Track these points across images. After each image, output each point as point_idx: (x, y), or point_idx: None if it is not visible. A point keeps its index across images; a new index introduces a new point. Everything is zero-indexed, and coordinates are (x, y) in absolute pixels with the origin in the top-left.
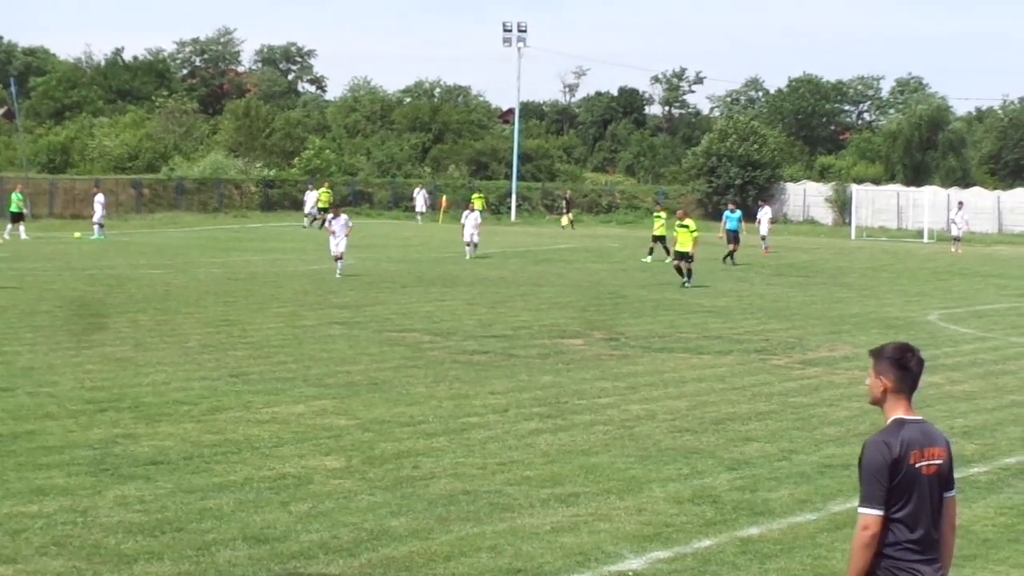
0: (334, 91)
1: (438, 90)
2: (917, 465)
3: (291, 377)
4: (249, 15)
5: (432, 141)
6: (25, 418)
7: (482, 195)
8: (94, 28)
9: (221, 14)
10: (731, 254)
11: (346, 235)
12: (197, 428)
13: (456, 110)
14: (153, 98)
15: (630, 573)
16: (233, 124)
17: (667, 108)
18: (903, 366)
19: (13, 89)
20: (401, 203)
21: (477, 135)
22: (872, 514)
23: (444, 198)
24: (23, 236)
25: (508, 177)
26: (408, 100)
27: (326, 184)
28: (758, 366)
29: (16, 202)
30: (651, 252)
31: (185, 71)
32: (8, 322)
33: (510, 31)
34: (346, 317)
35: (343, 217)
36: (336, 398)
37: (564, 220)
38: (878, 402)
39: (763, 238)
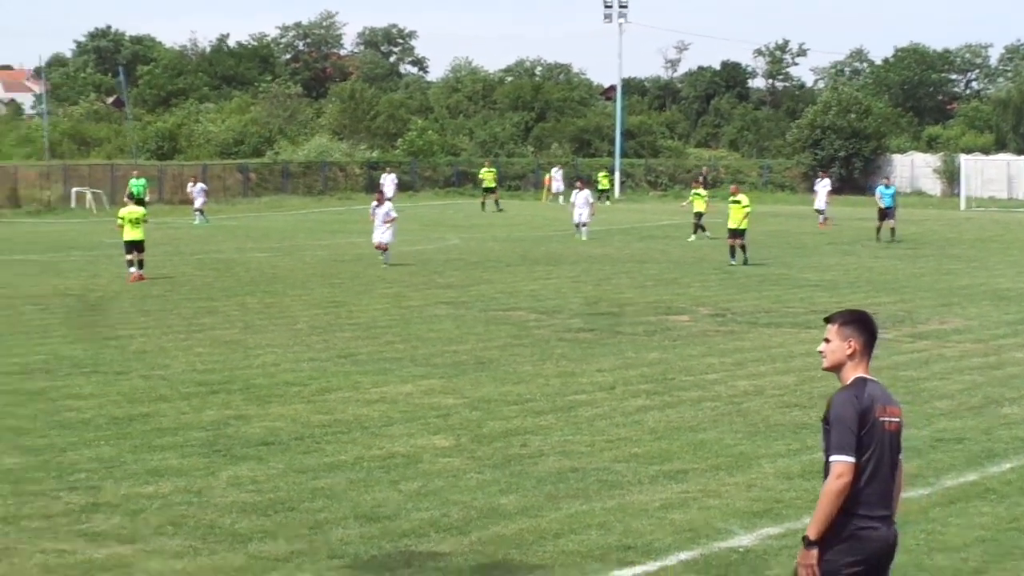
0: (436, 72)
1: (539, 68)
2: (881, 419)
3: (399, 357)
4: None
5: (534, 120)
6: (140, 401)
7: (608, 174)
8: (199, 15)
9: None
10: (891, 230)
11: (387, 223)
12: (307, 409)
13: (558, 88)
14: (257, 83)
15: (740, 549)
16: (337, 107)
17: (770, 81)
18: (870, 330)
19: (122, 78)
20: (505, 182)
21: (579, 112)
22: (845, 460)
23: (547, 176)
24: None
25: (611, 154)
26: (510, 79)
27: (487, 162)
28: None
29: (138, 187)
30: (696, 231)
31: (288, 55)
32: (121, 307)
33: (611, 7)
34: (452, 297)
35: (387, 205)
36: (444, 377)
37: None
38: (839, 365)
39: (818, 211)
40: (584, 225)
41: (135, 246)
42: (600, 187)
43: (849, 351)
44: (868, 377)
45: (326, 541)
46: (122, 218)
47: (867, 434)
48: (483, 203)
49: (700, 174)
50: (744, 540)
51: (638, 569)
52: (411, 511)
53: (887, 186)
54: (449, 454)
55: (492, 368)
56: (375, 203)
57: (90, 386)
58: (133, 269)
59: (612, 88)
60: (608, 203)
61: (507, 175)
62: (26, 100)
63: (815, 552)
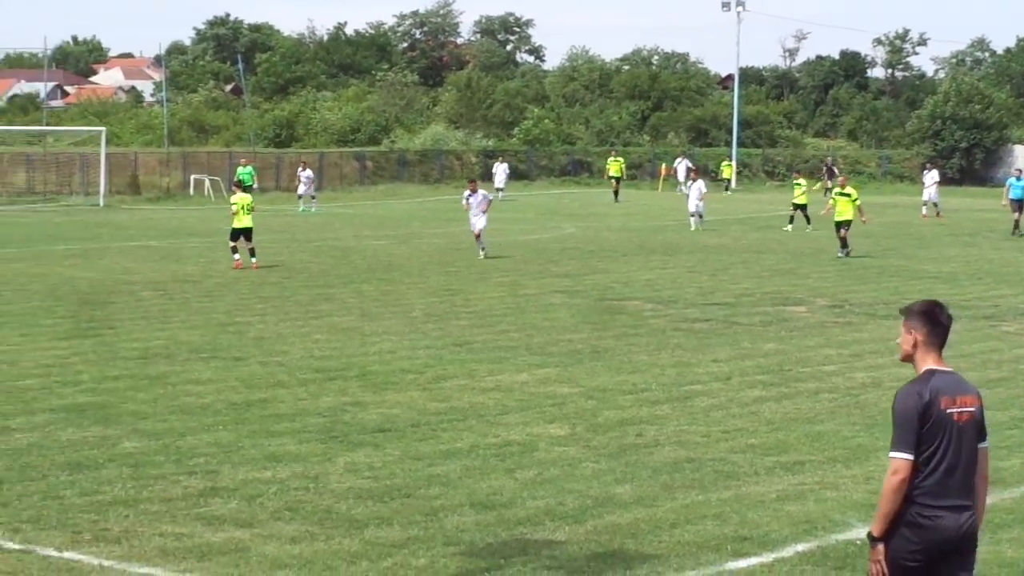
0: (552, 61)
1: (656, 57)
2: (948, 411)
3: (514, 346)
4: None
5: (651, 109)
6: (257, 387)
7: (731, 164)
8: (317, 3)
9: None
10: (1015, 223)
11: (484, 211)
12: (423, 396)
13: (675, 77)
14: (374, 71)
15: (858, 542)
16: (454, 96)
17: (890, 71)
18: (933, 320)
19: (240, 66)
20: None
21: (696, 102)
22: (902, 458)
23: (664, 166)
24: None
25: (728, 144)
26: (626, 68)
27: (613, 153)
28: (987, 332)
29: (245, 175)
30: (791, 220)
31: (405, 44)
32: (239, 293)
33: None
34: (567, 286)
35: (480, 193)
36: (559, 366)
37: (817, 185)
38: (909, 357)
39: (926, 203)
40: (698, 215)
41: (243, 233)
42: (724, 176)
43: (912, 343)
44: (938, 368)
45: (441, 528)
46: (236, 204)
47: (930, 429)
48: (615, 192)
49: (826, 164)
50: (861, 532)
51: (753, 560)
52: (526, 499)
53: (1018, 178)
54: (564, 443)
55: (607, 357)
56: (468, 192)
57: (209, 372)
58: (238, 256)
59: (729, 77)
60: (728, 193)
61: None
62: (146, 88)
63: (881, 548)
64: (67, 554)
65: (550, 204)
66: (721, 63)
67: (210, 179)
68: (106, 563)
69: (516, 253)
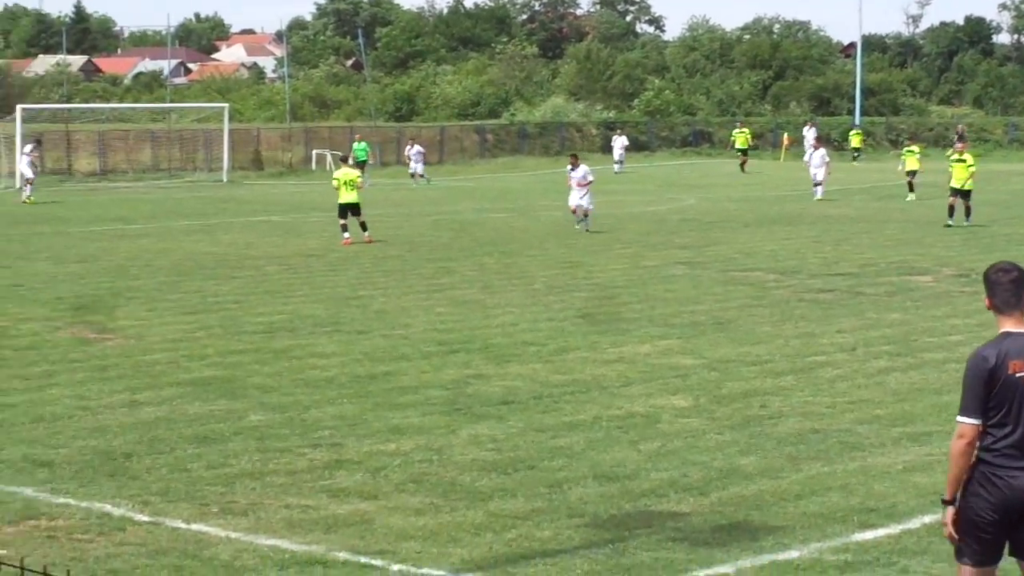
0: (672, 31)
1: (777, 26)
2: (1017, 375)
3: (636, 317)
4: None
5: (772, 78)
6: (381, 360)
7: (860, 132)
8: None
9: None
10: None
11: (584, 188)
12: (545, 368)
13: (796, 46)
14: (494, 44)
15: None
16: (573, 68)
17: (1016, 36)
18: (993, 282)
19: (360, 41)
20: None
21: (818, 71)
22: (968, 423)
23: (786, 135)
24: (367, 184)
25: (851, 112)
26: (747, 37)
27: (740, 123)
28: None
29: (360, 151)
30: (912, 189)
31: (524, 16)
32: (362, 267)
33: None
34: (688, 257)
35: (582, 168)
36: (681, 338)
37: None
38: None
39: None
40: (819, 185)
41: (350, 208)
42: (853, 146)
43: (988, 306)
44: (1013, 331)
45: (565, 500)
46: (338, 179)
47: (998, 392)
48: (742, 165)
49: (956, 132)
50: None
51: (880, 532)
52: (650, 471)
53: None
54: (688, 414)
55: (730, 329)
56: (570, 167)
57: (332, 345)
58: (347, 234)
59: (852, 45)
60: (856, 163)
61: None
62: (267, 64)
63: (951, 510)
64: (195, 526)
65: (671, 175)
66: (843, 31)
67: (332, 154)
68: (233, 535)
69: (637, 225)
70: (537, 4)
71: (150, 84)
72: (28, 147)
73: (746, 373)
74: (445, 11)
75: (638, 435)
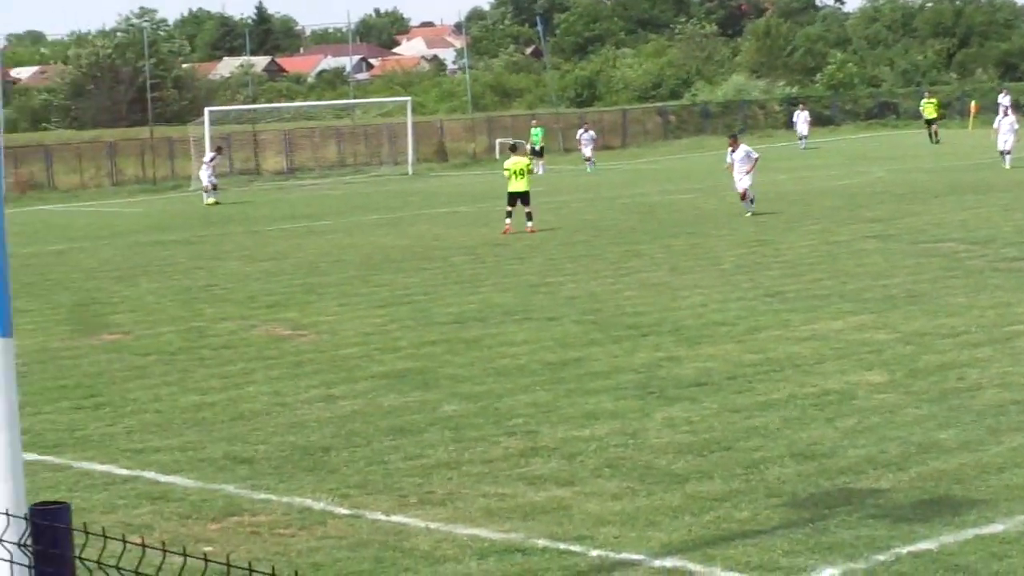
0: (853, 3)
1: None
2: None
3: (827, 293)
4: None
5: (957, 46)
6: (572, 346)
7: None
8: None
9: None
10: None
11: (748, 171)
12: (737, 348)
13: (980, 11)
14: (673, 25)
15: None
16: (754, 45)
17: None
18: None
19: (540, 28)
20: None
21: (1004, 36)
22: None
23: (974, 103)
24: (540, 171)
25: None
26: (929, 5)
27: (927, 93)
28: None
29: (536, 136)
30: None
31: None
32: (549, 254)
33: None
34: (879, 230)
35: (743, 149)
36: (874, 312)
37: None
38: None
39: None
40: (1008, 153)
41: (520, 197)
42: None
43: None
44: None
45: (763, 480)
46: (508, 169)
47: None
48: (930, 134)
49: None
50: None
51: None
52: (847, 448)
53: None
54: (884, 390)
55: (924, 301)
56: (729, 149)
57: (523, 333)
58: (509, 221)
59: None
60: None
61: None
62: (448, 56)
63: None
64: (394, 517)
65: (857, 148)
66: None
67: (500, 143)
68: (432, 525)
69: (825, 200)
70: None
71: (333, 81)
72: (208, 156)
73: (942, 346)
74: None
75: (834, 412)
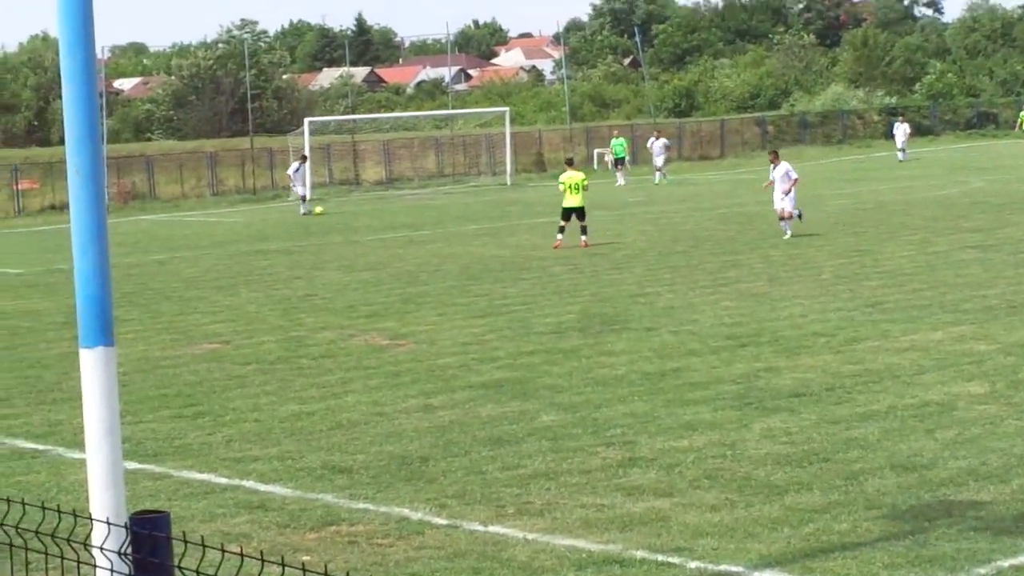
0: (952, 12)
1: None
2: None
3: (927, 304)
4: None
5: None
6: (670, 356)
7: None
8: None
9: None
10: None
11: (786, 192)
12: (836, 359)
13: None
14: (771, 35)
15: None
16: (852, 55)
17: None
18: None
19: (637, 39)
20: None
21: None
22: None
23: None
24: (620, 182)
25: None
26: None
27: None
28: None
29: (618, 147)
30: None
31: (801, 5)
32: (647, 264)
33: None
34: (979, 241)
35: (783, 166)
36: (974, 323)
37: None
38: None
39: None
40: None
41: (574, 212)
42: None
43: None
44: None
45: (862, 491)
46: (563, 183)
47: None
48: None
49: None
50: None
51: None
52: (948, 460)
53: None
54: (985, 401)
55: None
56: (771, 165)
57: (621, 343)
58: (560, 236)
59: None
60: None
61: None
62: (546, 66)
63: None
64: (492, 528)
65: (956, 158)
66: None
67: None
68: (530, 536)
69: (924, 210)
70: None
71: (432, 92)
72: (293, 167)
73: None
74: (721, 5)
75: (934, 423)
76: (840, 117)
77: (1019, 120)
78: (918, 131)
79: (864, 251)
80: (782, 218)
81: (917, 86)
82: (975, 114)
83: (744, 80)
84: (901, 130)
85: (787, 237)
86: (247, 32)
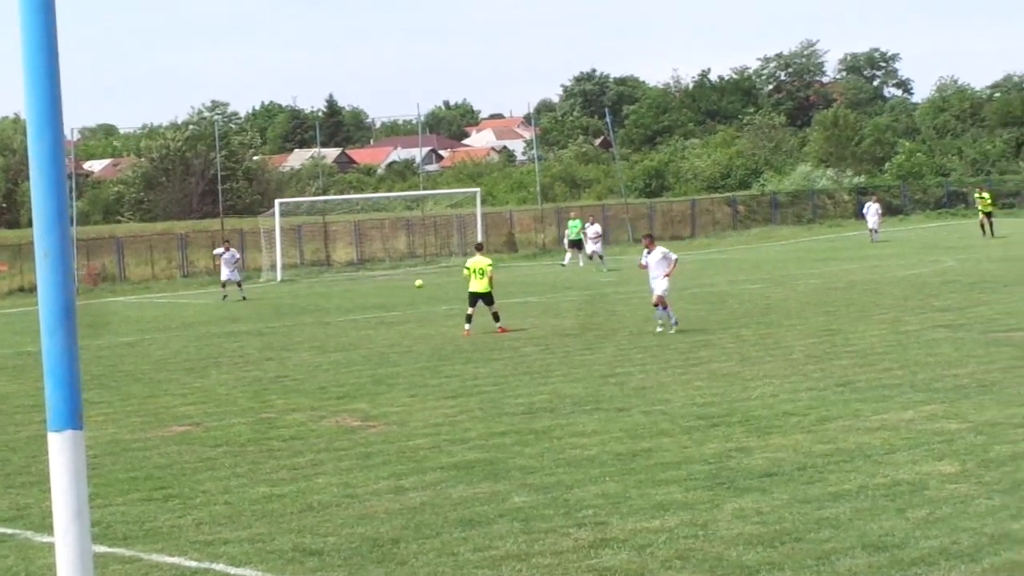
0: (920, 93)
1: None
2: None
3: (898, 383)
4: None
5: None
6: (642, 436)
7: None
8: (680, 53)
9: (804, 27)
10: None
11: (666, 274)
12: (808, 438)
13: None
14: (741, 116)
15: None
16: (822, 135)
17: None
18: None
19: (608, 119)
20: (998, 201)
21: None
22: None
23: None
24: (580, 264)
25: None
26: (998, 95)
27: (979, 189)
28: None
29: (573, 228)
30: None
31: (771, 86)
32: (618, 344)
33: None
34: (949, 320)
35: (659, 251)
36: (945, 402)
37: None
38: None
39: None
40: None
41: (480, 298)
42: None
43: None
44: None
45: (834, 571)
46: (468, 268)
47: None
48: (984, 226)
49: None
50: None
51: None
52: (919, 539)
53: None
54: (956, 480)
55: (995, 391)
56: (645, 250)
57: (593, 423)
58: (468, 326)
59: None
60: None
61: (1000, 192)
62: (517, 147)
63: None
64: None
65: (927, 238)
66: None
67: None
68: None
69: (896, 289)
70: (783, 74)
71: (403, 172)
72: (218, 251)
73: (1014, 435)
74: (691, 85)
75: (905, 503)
76: (810, 197)
77: (976, 200)
78: (888, 210)
79: (835, 330)
80: (657, 305)
81: (887, 165)
82: (945, 193)
83: (715, 160)
84: (873, 210)
85: (673, 328)
86: (217, 113)
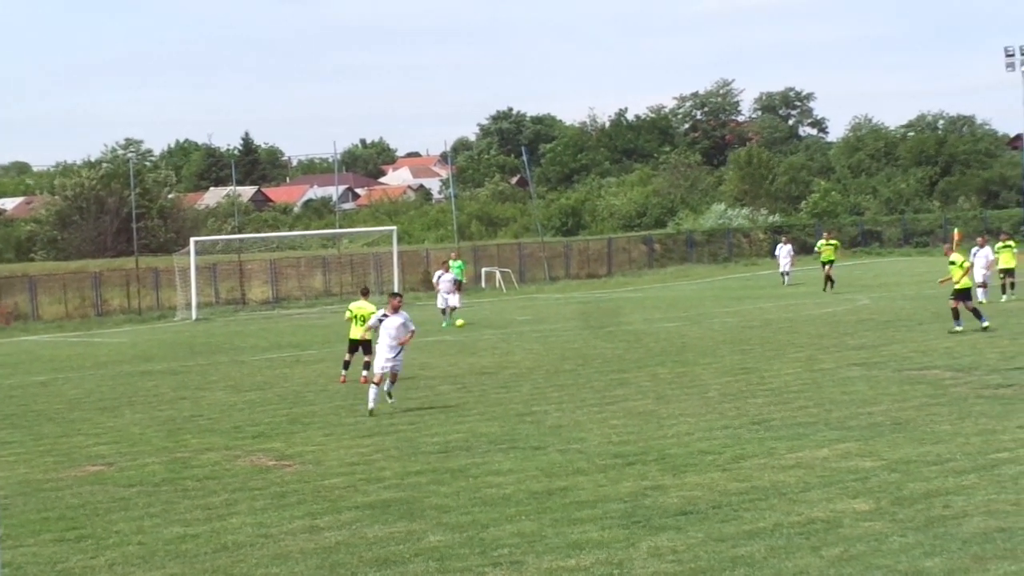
0: (835, 132)
1: (942, 122)
2: None
3: (812, 421)
4: (747, 65)
5: (939, 174)
6: (557, 475)
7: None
8: (597, 92)
9: (719, 67)
10: None
11: (402, 343)
12: (723, 477)
13: (962, 140)
14: (657, 155)
15: None
16: (737, 174)
17: None
18: None
19: (525, 158)
20: (912, 239)
21: (985, 164)
22: None
23: (956, 231)
24: (457, 304)
25: (1020, 204)
26: (912, 134)
27: (825, 234)
28: None
29: (456, 269)
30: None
31: (687, 125)
32: (535, 383)
33: (1012, 56)
34: (864, 358)
35: (401, 316)
36: (860, 440)
37: None
38: None
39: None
40: (985, 285)
41: (361, 345)
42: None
43: None
44: None
45: None
46: (351, 312)
47: None
48: (827, 279)
49: None
50: None
51: None
52: None
53: None
54: (870, 518)
55: (909, 429)
56: (383, 312)
57: (508, 462)
58: (345, 372)
59: (1019, 137)
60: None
61: (914, 231)
62: (434, 185)
63: None
64: None
65: (842, 276)
66: (1009, 123)
67: (501, 271)
68: None
69: (810, 327)
70: (698, 113)
71: (319, 211)
72: None
73: (927, 473)
74: (608, 124)
75: (820, 541)
76: (726, 235)
77: (818, 247)
78: (803, 249)
79: (750, 369)
80: (378, 383)
81: (802, 204)
82: (859, 232)
83: (631, 199)
84: (785, 251)
85: (372, 406)
86: (132, 151)
